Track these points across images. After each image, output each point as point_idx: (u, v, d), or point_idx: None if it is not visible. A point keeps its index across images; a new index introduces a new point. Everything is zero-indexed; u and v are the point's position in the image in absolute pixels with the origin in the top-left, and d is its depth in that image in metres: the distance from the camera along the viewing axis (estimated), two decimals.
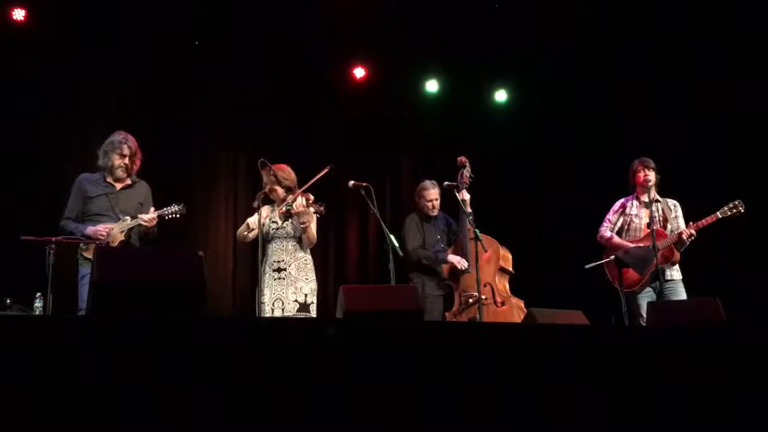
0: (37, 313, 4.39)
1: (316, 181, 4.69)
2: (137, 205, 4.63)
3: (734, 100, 6.06)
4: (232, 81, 6.58)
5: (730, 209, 4.92)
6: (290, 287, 4.60)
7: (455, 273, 5.27)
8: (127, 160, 4.58)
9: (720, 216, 4.94)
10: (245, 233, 4.82)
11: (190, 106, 6.36)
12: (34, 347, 2.18)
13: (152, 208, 4.57)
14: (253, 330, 2.61)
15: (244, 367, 2.34)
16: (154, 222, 4.50)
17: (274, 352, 2.41)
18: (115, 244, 4.38)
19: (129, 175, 4.64)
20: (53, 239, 4.22)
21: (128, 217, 4.50)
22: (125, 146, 4.56)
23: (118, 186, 4.61)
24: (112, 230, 4.42)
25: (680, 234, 4.98)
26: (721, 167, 6.06)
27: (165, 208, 4.57)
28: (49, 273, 4.14)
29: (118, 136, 4.61)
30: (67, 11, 5.99)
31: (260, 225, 4.64)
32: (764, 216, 5.59)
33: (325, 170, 4.69)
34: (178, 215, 4.59)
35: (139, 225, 4.48)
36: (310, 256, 4.78)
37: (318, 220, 4.79)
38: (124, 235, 4.46)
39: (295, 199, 4.63)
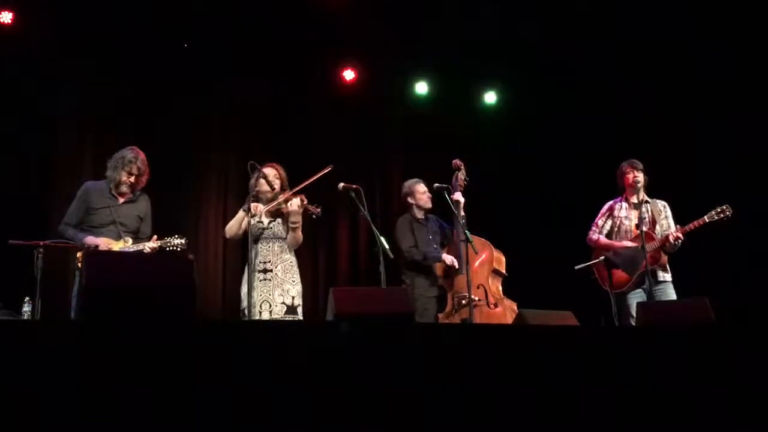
0: (25, 317, 4.36)
1: (315, 180, 4.66)
2: (137, 219, 4.67)
3: (733, 103, 6.10)
4: (222, 83, 6.57)
5: (718, 213, 4.92)
6: (277, 289, 4.59)
7: (449, 274, 5.28)
8: (134, 179, 4.62)
9: (708, 220, 4.93)
10: (236, 230, 4.77)
11: (181, 108, 6.33)
12: (22, 351, 2.17)
13: (155, 237, 4.58)
14: (247, 333, 2.61)
15: (238, 370, 2.33)
16: (155, 252, 4.52)
17: (269, 355, 2.41)
18: None
19: (133, 192, 4.67)
20: (42, 243, 4.20)
21: (130, 239, 4.52)
22: (134, 166, 4.60)
23: (121, 200, 4.64)
24: (112, 248, 4.41)
25: (667, 237, 5.01)
26: (715, 168, 6.09)
27: (168, 239, 4.57)
28: (38, 277, 4.12)
29: (130, 153, 4.63)
30: (55, 13, 5.96)
31: (249, 227, 4.62)
32: (756, 217, 5.63)
33: (327, 169, 4.67)
34: (178, 248, 4.60)
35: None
36: (295, 258, 4.77)
37: (307, 221, 4.78)
38: None
39: (289, 199, 4.62)
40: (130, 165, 4.59)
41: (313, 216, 4.68)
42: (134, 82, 6.11)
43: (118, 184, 4.61)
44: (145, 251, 4.47)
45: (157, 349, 2.29)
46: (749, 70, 6.06)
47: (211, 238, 6.39)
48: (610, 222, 5.35)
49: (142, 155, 4.66)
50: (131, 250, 4.47)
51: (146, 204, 4.76)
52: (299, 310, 4.64)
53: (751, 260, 5.85)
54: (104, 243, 4.43)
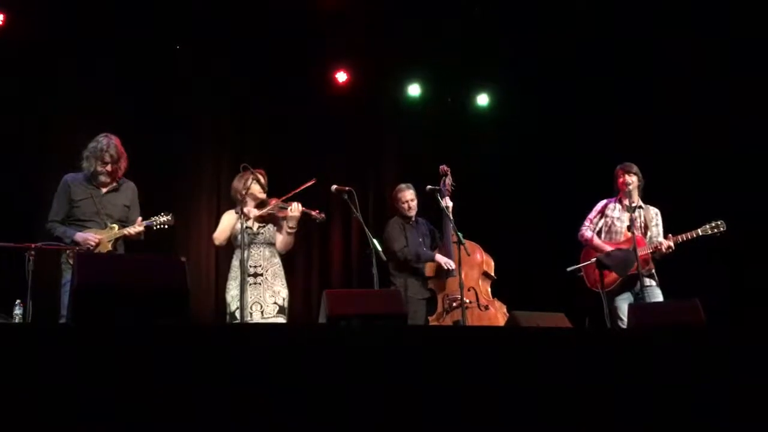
0: (16, 320, 4.33)
1: (299, 191, 4.71)
2: (123, 208, 4.59)
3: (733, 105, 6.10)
4: (214, 83, 6.56)
5: (712, 228, 4.98)
6: (267, 291, 4.67)
7: (440, 276, 5.29)
8: (109, 167, 4.50)
9: (701, 233, 5.00)
10: (227, 235, 4.79)
11: (173, 108, 6.31)
12: (13, 355, 2.16)
13: (139, 218, 4.54)
14: (241, 334, 2.61)
15: (232, 372, 2.33)
16: (142, 233, 4.47)
17: (263, 358, 2.41)
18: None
19: (114, 180, 4.58)
20: (33, 246, 4.17)
21: (116, 226, 4.47)
22: (107, 155, 4.47)
23: (104, 190, 4.56)
24: (101, 239, 4.38)
25: (659, 245, 5.04)
26: (713, 169, 6.11)
27: (153, 218, 4.54)
28: (29, 280, 4.09)
29: (101, 141, 4.51)
30: (48, 13, 5.93)
31: (242, 232, 4.63)
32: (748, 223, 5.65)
33: (310, 183, 4.74)
34: (166, 226, 4.57)
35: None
36: (281, 262, 4.84)
37: (306, 223, 4.84)
38: (111, 245, 4.43)
39: (288, 205, 4.67)
40: (102, 155, 4.47)
41: (316, 220, 4.80)
42: (127, 82, 6.08)
43: (96, 175, 4.51)
44: (129, 234, 4.43)
45: (150, 352, 2.29)
46: (750, 70, 6.08)
47: (203, 240, 6.36)
48: (602, 220, 5.38)
49: (114, 141, 4.53)
50: (119, 235, 4.44)
51: (132, 191, 4.66)
52: (286, 312, 4.73)
53: (741, 266, 5.89)
54: (92, 237, 4.36)
